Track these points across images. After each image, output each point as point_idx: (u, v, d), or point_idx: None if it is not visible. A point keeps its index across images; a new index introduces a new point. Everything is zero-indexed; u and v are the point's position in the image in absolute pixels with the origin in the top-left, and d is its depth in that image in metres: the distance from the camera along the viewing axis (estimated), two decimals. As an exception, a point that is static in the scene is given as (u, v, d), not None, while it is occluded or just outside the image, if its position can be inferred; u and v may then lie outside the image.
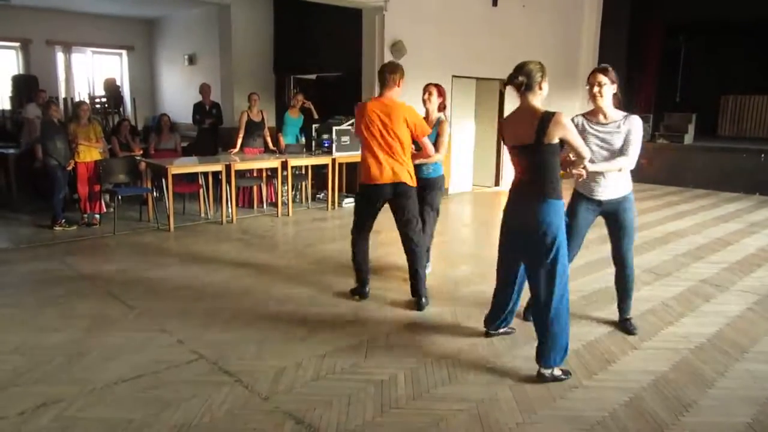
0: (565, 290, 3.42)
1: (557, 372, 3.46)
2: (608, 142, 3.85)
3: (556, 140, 3.27)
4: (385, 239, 6.39)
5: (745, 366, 3.69)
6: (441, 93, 5.20)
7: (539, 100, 3.39)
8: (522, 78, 3.33)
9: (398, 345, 3.94)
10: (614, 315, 4.51)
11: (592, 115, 3.93)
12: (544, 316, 3.40)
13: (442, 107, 5.25)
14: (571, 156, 3.61)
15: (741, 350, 3.91)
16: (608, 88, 3.77)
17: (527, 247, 3.47)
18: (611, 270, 5.68)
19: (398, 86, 4.48)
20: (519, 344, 3.96)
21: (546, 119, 3.23)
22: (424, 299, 4.62)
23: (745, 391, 3.37)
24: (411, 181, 4.53)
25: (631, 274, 4.15)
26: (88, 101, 12.73)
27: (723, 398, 3.29)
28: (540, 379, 3.44)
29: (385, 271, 5.60)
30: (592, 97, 3.81)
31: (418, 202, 4.70)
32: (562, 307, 3.40)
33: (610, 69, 3.81)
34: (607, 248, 4.24)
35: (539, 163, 3.33)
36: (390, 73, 4.45)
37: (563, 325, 3.41)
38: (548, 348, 3.40)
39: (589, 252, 6.27)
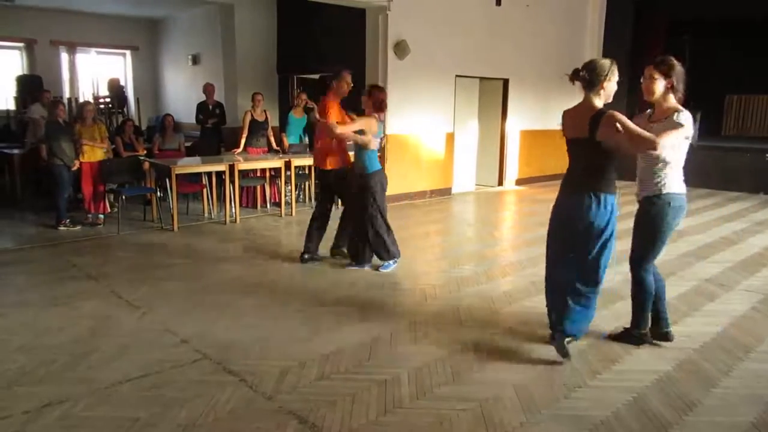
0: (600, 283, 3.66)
1: (567, 340, 3.68)
2: None
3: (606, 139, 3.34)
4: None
5: (750, 365, 3.68)
6: (370, 95, 5.52)
7: (601, 98, 3.46)
8: (584, 74, 3.45)
9: (401, 345, 3.94)
10: (618, 315, 4.51)
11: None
12: (576, 298, 3.66)
13: (377, 107, 5.54)
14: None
15: (745, 350, 3.90)
16: (659, 83, 3.59)
17: (574, 240, 3.59)
18: (615, 270, 5.69)
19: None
20: (522, 344, 3.96)
21: (596, 118, 3.35)
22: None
23: (749, 390, 3.37)
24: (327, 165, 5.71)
25: (638, 290, 3.80)
26: (92, 101, 12.80)
27: (727, 398, 3.28)
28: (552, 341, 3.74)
29: (386, 273, 5.60)
30: (643, 90, 3.68)
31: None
32: (594, 297, 3.70)
33: (666, 61, 3.64)
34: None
35: (590, 158, 3.47)
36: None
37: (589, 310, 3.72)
38: (569, 319, 3.66)
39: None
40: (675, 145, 3.52)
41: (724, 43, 13.80)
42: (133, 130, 9.13)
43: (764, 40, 13.12)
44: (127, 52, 14.54)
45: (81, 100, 11.72)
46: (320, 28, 10.33)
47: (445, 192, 10.19)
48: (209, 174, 8.04)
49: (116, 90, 13.70)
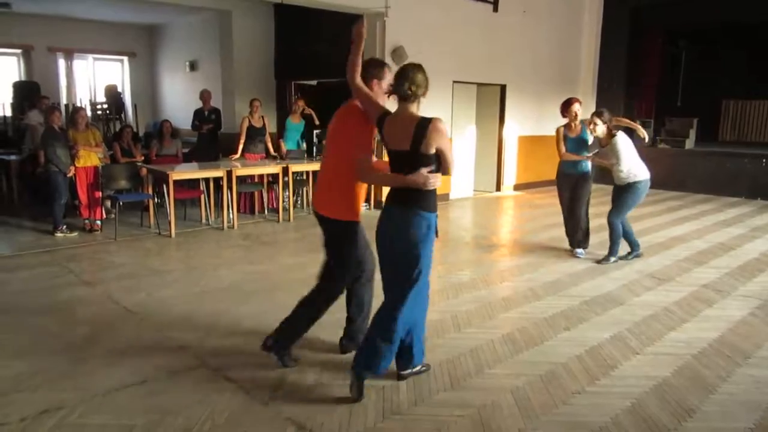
0: None
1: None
2: None
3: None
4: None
5: (748, 371, 3.68)
6: None
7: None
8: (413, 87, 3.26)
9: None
10: (616, 320, 4.52)
11: None
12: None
13: None
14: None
15: (743, 355, 3.91)
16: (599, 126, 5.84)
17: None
18: (613, 275, 5.72)
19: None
20: (521, 349, 3.96)
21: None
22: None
23: (747, 396, 3.37)
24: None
25: None
26: (89, 107, 12.80)
27: (725, 403, 3.28)
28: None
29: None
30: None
31: None
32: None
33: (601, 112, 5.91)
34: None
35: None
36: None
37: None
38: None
39: (591, 257, 6.27)
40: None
41: (720, 49, 13.88)
42: (131, 136, 9.12)
43: (760, 45, 13.19)
44: (125, 59, 14.53)
45: (77, 106, 11.69)
46: (318, 34, 10.34)
47: (443, 198, 10.18)
48: (207, 180, 8.03)
49: (113, 96, 13.70)
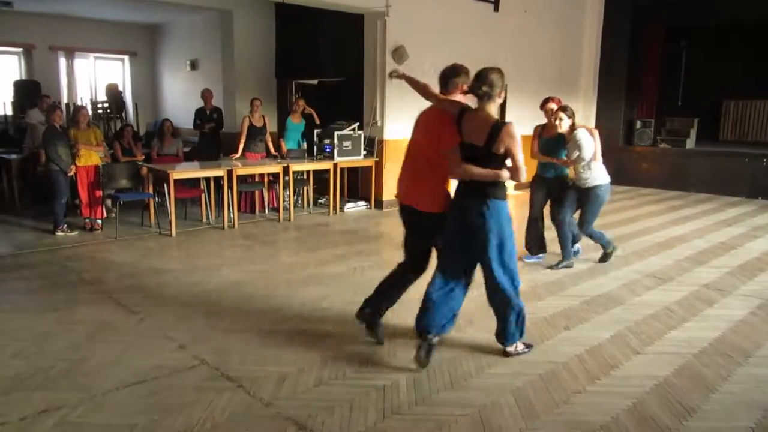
0: None
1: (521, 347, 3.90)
2: None
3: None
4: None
5: (749, 370, 3.68)
6: None
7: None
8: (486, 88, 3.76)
9: (400, 350, 3.93)
10: (616, 319, 4.52)
11: None
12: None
13: None
14: None
15: (744, 354, 3.90)
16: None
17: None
18: (613, 275, 5.72)
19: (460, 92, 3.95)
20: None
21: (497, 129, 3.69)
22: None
23: (748, 395, 3.37)
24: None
25: None
26: (90, 106, 12.79)
27: (726, 403, 3.28)
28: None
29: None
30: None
31: None
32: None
33: (567, 107, 5.75)
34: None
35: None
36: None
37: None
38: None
39: (591, 259, 6.27)
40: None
41: (721, 49, 13.84)
42: (132, 135, 9.12)
43: (761, 45, 13.16)
44: (126, 58, 14.52)
45: (78, 105, 11.69)
46: (319, 33, 10.35)
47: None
48: (207, 179, 8.03)
49: (114, 95, 13.69)
